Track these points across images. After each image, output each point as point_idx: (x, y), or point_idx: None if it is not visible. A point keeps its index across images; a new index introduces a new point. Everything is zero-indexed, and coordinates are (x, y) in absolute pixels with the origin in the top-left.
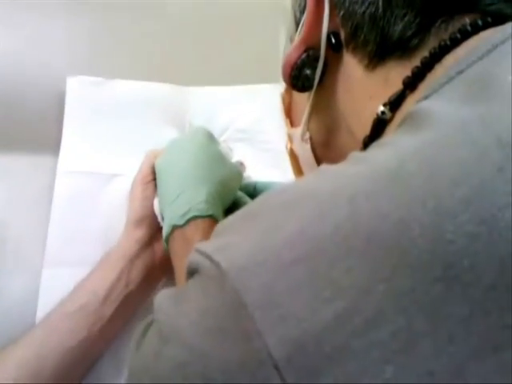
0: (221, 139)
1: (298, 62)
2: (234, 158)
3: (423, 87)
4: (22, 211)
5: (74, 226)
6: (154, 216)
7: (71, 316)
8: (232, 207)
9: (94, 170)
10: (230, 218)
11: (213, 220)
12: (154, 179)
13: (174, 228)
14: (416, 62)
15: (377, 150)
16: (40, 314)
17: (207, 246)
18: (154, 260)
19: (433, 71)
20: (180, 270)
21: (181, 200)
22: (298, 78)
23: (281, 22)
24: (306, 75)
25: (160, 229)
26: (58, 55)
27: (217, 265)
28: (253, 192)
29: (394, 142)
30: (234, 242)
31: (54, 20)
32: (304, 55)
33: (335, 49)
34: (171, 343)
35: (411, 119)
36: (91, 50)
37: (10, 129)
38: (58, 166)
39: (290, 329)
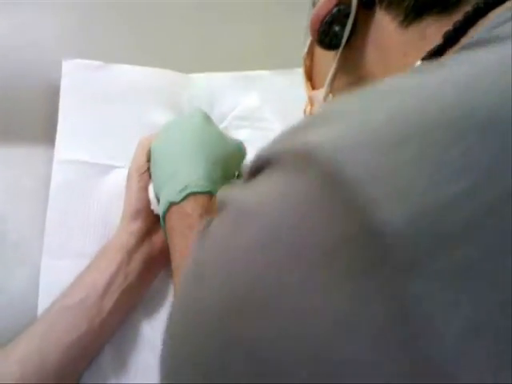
0: (220, 126)
1: (328, 17)
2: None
3: (465, 40)
4: (20, 203)
5: (72, 217)
6: (150, 208)
7: (71, 310)
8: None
9: (92, 160)
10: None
11: (211, 197)
12: (150, 169)
13: (172, 205)
14: (457, 17)
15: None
16: (41, 306)
17: (286, 140)
18: (153, 252)
19: (475, 26)
20: (178, 247)
21: (178, 176)
22: (327, 33)
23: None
24: (335, 32)
25: (157, 220)
26: (52, 40)
27: (304, 145)
28: None
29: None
30: (320, 133)
31: (48, 4)
32: (334, 10)
33: (367, 5)
34: (250, 221)
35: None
36: (87, 35)
37: (3, 119)
38: (55, 154)
39: (404, 203)
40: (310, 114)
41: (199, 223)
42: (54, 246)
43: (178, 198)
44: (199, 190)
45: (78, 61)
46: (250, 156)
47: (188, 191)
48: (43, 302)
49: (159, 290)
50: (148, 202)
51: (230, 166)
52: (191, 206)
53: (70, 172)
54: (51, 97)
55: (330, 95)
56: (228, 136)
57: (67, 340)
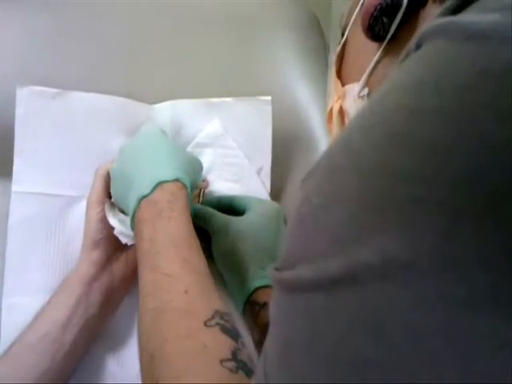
0: None
1: (378, 7)
2: None
3: None
4: None
5: (32, 252)
6: (110, 237)
7: (32, 347)
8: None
9: (52, 192)
10: None
11: (181, 183)
12: (110, 198)
13: (141, 199)
14: None
15: None
16: (2, 346)
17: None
18: (113, 281)
19: None
20: (147, 235)
21: (144, 174)
22: (377, 22)
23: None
24: (383, 23)
25: (117, 249)
26: (5, 67)
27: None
28: (216, 206)
29: None
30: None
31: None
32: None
33: (419, 1)
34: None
35: None
36: (42, 61)
37: None
38: (12, 186)
39: None
40: (340, 108)
41: (169, 209)
42: (14, 284)
43: (147, 191)
44: (167, 178)
45: (34, 87)
46: (213, 182)
47: (156, 181)
48: (5, 342)
49: (122, 321)
50: (108, 231)
51: (194, 167)
52: (159, 194)
53: (29, 205)
54: (5, 125)
55: (366, 89)
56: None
57: (31, 378)
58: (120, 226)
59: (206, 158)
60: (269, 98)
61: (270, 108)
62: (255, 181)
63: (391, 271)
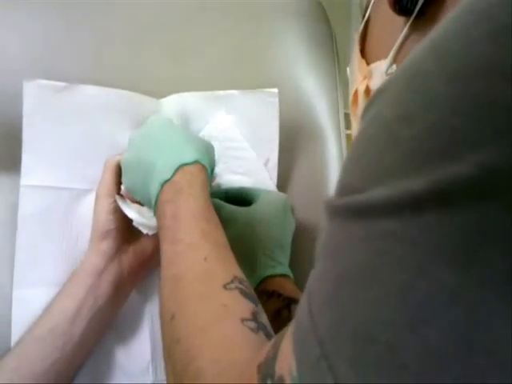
0: None
1: None
2: None
3: None
4: None
5: (42, 245)
6: (118, 229)
7: (41, 340)
8: None
9: (61, 185)
10: None
11: (201, 165)
12: (119, 191)
13: (164, 184)
14: None
15: None
16: (14, 338)
17: None
18: (122, 273)
19: None
20: (168, 213)
21: (164, 160)
22: None
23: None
24: None
25: (127, 240)
26: (14, 58)
27: None
28: (224, 198)
29: None
30: None
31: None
32: None
33: None
34: None
35: None
36: (50, 53)
37: None
38: (21, 180)
39: None
40: (366, 88)
41: (188, 187)
42: (24, 276)
43: (169, 175)
44: (187, 161)
45: (41, 81)
46: (220, 175)
47: (177, 165)
48: (16, 334)
49: (131, 314)
50: (117, 223)
51: (209, 151)
52: (180, 176)
53: (38, 198)
54: (14, 120)
55: (394, 66)
56: None
57: (39, 370)
58: (139, 217)
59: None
60: (275, 90)
61: (277, 100)
62: (262, 173)
63: (496, 187)
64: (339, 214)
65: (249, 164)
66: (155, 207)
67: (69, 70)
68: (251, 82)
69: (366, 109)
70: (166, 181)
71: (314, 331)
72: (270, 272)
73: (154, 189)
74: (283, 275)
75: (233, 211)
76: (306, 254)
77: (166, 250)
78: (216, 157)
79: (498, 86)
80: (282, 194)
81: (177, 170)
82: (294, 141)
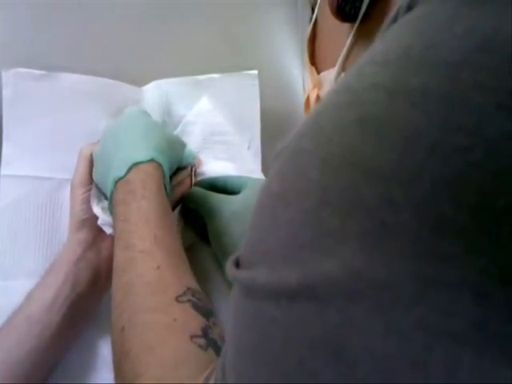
0: (175, 132)
1: None
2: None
3: None
4: None
5: (23, 235)
6: (95, 217)
7: (17, 327)
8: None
9: (41, 174)
10: None
11: (156, 164)
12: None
13: (117, 182)
14: None
15: None
16: None
17: None
18: (101, 260)
19: None
20: (121, 215)
21: (120, 156)
22: (346, 1)
23: None
24: (354, 0)
25: None
26: None
27: None
28: (210, 187)
29: None
30: None
31: None
32: None
33: None
34: None
35: None
36: (28, 42)
37: None
38: (1, 170)
39: None
40: (317, 97)
41: (142, 188)
42: (5, 267)
43: (122, 173)
44: (141, 159)
45: (20, 70)
46: (205, 161)
47: (131, 163)
48: None
49: None
50: (93, 212)
51: (174, 148)
52: (133, 175)
53: (19, 188)
54: None
55: (343, 74)
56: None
57: (15, 358)
58: (103, 215)
59: (197, 137)
60: (255, 71)
61: (257, 82)
62: (246, 157)
63: (360, 290)
64: (237, 284)
65: (233, 148)
66: (110, 205)
67: (47, 60)
68: (236, 69)
69: (274, 160)
70: (120, 178)
71: None
72: None
73: (109, 186)
74: None
75: (219, 200)
76: None
77: (118, 254)
78: (199, 143)
79: (362, 183)
80: None
81: (130, 168)
82: (277, 124)
